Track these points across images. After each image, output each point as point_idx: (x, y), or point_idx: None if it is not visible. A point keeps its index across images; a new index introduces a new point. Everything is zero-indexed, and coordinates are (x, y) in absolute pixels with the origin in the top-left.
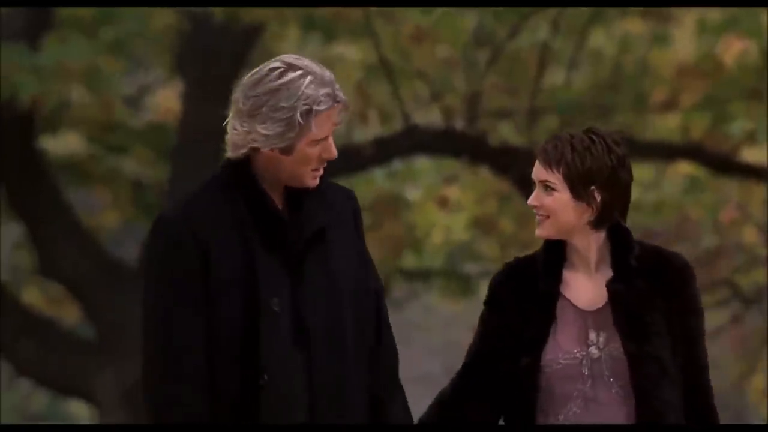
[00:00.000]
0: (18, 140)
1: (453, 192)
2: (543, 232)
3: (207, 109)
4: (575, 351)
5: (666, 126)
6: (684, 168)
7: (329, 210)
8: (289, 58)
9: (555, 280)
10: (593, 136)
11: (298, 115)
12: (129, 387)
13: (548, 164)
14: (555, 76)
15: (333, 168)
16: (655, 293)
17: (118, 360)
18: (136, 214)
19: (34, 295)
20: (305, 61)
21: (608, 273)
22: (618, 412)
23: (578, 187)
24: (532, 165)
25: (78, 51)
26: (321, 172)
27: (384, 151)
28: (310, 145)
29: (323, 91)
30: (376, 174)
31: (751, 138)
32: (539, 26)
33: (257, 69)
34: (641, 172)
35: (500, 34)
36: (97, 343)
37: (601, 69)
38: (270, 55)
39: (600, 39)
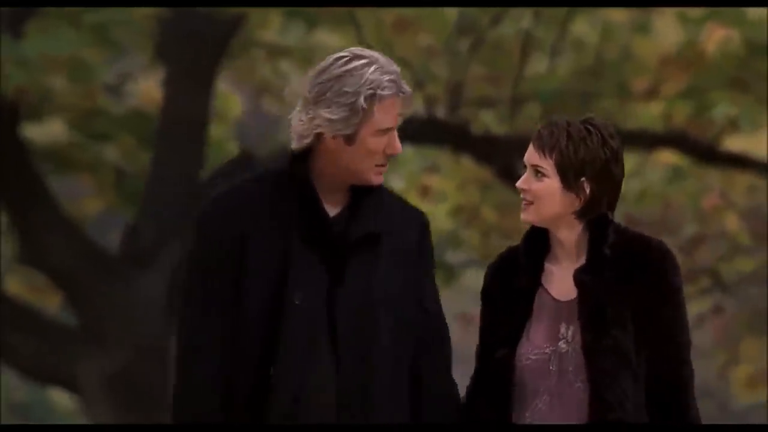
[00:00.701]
0: (1, 130)
1: (435, 181)
2: (527, 216)
3: (189, 96)
4: (545, 346)
5: (648, 114)
6: (667, 156)
7: (388, 221)
8: (356, 49)
9: (535, 272)
10: (590, 127)
11: (362, 99)
12: (111, 376)
13: (542, 150)
14: (537, 65)
15: None
16: (626, 283)
17: (101, 349)
18: (119, 202)
19: (16, 284)
20: (372, 52)
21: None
22: (579, 407)
23: (569, 177)
24: (515, 153)
25: (62, 43)
26: (385, 168)
27: None
28: (374, 134)
29: (387, 77)
30: None
31: (733, 126)
32: (522, 15)
33: (324, 60)
34: (624, 160)
35: (482, 23)
36: (80, 331)
37: (583, 57)
38: (253, 42)
39: (582, 27)
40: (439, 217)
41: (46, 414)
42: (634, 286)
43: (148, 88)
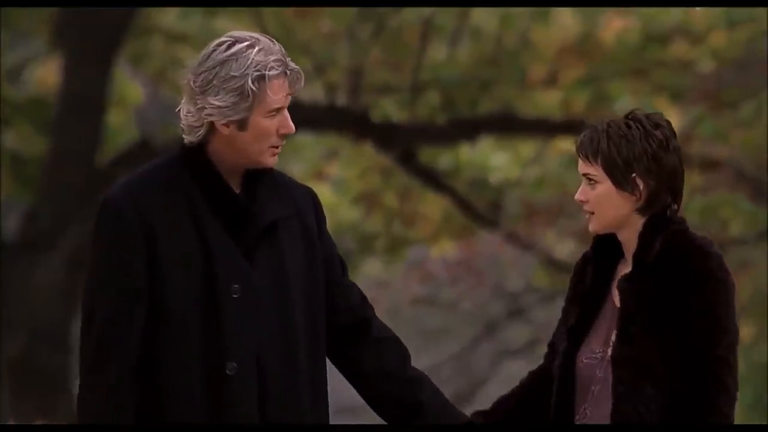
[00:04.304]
0: None
1: (336, 169)
2: (593, 227)
3: (87, 81)
4: (598, 351)
5: (547, 102)
6: (565, 144)
7: (287, 204)
8: (236, 33)
9: (604, 275)
10: (630, 122)
11: (250, 82)
12: (9, 360)
13: (586, 157)
14: (437, 52)
15: None
16: (667, 293)
17: None
18: (16, 188)
19: None
20: (252, 34)
21: None
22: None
23: (619, 177)
24: (415, 140)
25: None
26: (279, 150)
27: None
28: (265, 116)
29: (273, 57)
30: None
31: None
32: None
33: (205, 48)
34: (523, 148)
35: (384, 9)
36: None
37: (482, 45)
38: (151, 29)
39: (481, 15)
40: (342, 206)
41: None
42: (671, 297)
43: (45, 74)
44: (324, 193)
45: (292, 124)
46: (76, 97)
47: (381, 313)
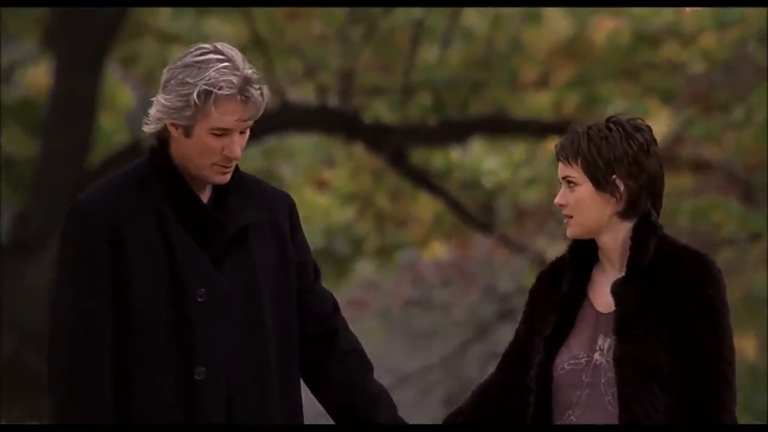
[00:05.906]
0: None
1: (330, 174)
2: (572, 231)
3: (78, 82)
4: (581, 356)
5: (538, 103)
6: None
7: (260, 210)
8: (220, 44)
9: (580, 281)
10: (611, 125)
11: (195, 94)
12: (3, 361)
13: (566, 159)
14: (428, 54)
15: None
16: (664, 296)
17: None
18: (7, 190)
19: None
20: (234, 52)
21: None
22: (607, 421)
23: (599, 178)
24: (406, 141)
25: None
26: (227, 170)
27: (256, 127)
28: (209, 132)
29: (232, 78)
30: (250, 151)
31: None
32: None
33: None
34: (514, 150)
35: (375, 11)
36: None
37: (473, 47)
38: (142, 29)
39: (473, 17)
40: (334, 208)
41: None
42: (671, 299)
43: (36, 76)
44: (316, 196)
45: (237, 149)
46: (67, 98)
47: (372, 315)
